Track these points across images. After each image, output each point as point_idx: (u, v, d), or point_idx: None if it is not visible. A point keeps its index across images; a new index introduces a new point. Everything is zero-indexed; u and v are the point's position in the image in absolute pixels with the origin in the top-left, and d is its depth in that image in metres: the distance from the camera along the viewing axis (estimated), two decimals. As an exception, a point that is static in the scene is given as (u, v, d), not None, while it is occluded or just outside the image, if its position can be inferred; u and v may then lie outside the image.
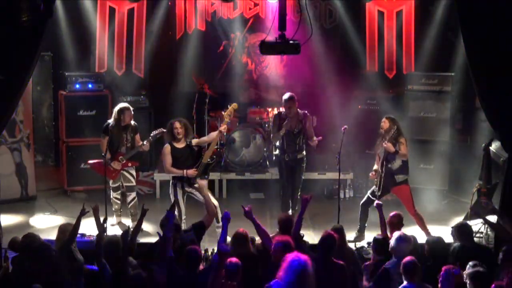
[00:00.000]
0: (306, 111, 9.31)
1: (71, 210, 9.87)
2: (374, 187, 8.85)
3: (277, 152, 9.57)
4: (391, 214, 7.46)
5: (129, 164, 9.21)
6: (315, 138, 9.24)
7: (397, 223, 7.31)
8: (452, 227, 7.24)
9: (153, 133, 9.12)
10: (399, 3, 11.59)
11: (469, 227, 7.16)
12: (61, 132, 10.99)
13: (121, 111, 9.12)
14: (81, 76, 10.88)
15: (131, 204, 9.29)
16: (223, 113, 8.93)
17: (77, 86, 10.81)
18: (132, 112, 9.20)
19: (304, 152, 9.38)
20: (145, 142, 9.07)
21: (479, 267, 5.93)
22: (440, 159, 10.70)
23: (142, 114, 10.91)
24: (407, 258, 6.11)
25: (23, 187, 10.54)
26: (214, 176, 9.58)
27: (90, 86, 10.88)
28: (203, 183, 8.25)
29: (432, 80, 10.81)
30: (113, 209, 9.41)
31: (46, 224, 9.51)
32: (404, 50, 11.63)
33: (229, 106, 8.94)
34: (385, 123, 8.73)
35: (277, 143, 9.80)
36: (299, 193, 9.33)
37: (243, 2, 11.96)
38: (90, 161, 9.50)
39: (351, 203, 10.28)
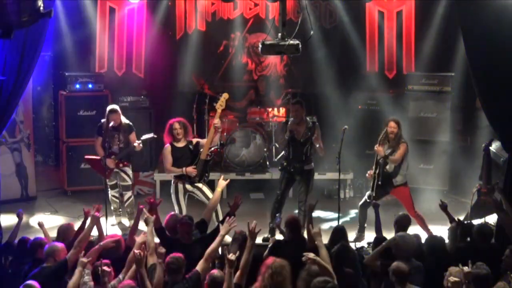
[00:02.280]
0: (315, 120, 8.93)
1: (71, 210, 9.90)
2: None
3: (284, 163, 8.99)
4: (400, 214, 7.54)
5: (121, 165, 9.17)
6: (322, 149, 8.86)
7: (404, 223, 7.35)
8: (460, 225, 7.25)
9: (144, 136, 9.11)
10: (399, 3, 11.60)
11: (490, 228, 7.17)
12: (61, 132, 10.99)
13: (109, 113, 9.14)
14: (81, 76, 10.89)
15: (127, 203, 9.34)
16: (214, 104, 8.87)
17: (77, 86, 10.82)
18: (120, 115, 9.16)
19: (313, 164, 8.95)
20: (135, 144, 9.04)
21: (484, 268, 5.92)
22: (440, 159, 10.70)
23: (142, 114, 10.92)
24: None
25: (23, 187, 10.54)
26: (214, 176, 9.56)
27: (90, 86, 10.89)
28: (223, 183, 8.13)
29: (432, 80, 10.81)
30: (112, 208, 9.42)
31: (46, 224, 9.48)
32: (404, 50, 11.64)
33: (219, 97, 8.87)
34: (395, 128, 8.67)
35: (284, 152, 9.23)
36: (304, 207, 8.82)
37: (243, 2, 11.96)
38: (88, 156, 9.43)
39: (351, 203, 10.28)
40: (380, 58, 11.71)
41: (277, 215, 8.29)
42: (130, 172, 9.36)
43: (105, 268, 5.81)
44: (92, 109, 10.76)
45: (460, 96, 10.97)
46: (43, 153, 12.18)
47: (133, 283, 5.81)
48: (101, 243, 6.46)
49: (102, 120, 9.26)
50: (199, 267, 6.09)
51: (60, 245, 6.42)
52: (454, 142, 11.00)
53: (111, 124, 9.10)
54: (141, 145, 9.06)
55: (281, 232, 7.46)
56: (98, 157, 9.19)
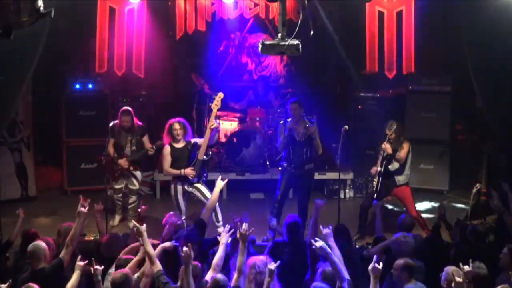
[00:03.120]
0: (314, 119, 8.94)
1: (71, 210, 9.85)
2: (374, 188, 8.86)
3: (284, 163, 8.98)
4: (403, 215, 7.55)
5: (131, 168, 9.20)
6: (320, 147, 8.86)
7: (408, 225, 7.36)
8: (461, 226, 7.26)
9: (156, 143, 9.08)
10: (399, 3, 11.59)
11: (484, 228, 7.17)
12: (61, 132, 10.98)
13: (121, 114, 9.14)
14: (81, 76, 10.89)
15: (131, 206, 9.33)
16: (210, 105, 8.82)
17: (77, 86, 10.83)
18: (132, 117, 9.13)
19: (312, 165, 8.98)
20: (149, 148, 9.09)
21: (483, 268, 5.92)
22: (440, 159, 10.69)
23: (142, 114, 10.90)
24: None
25: (23, 187, 10.54)
26: (214, 176, 9.55)
27: (90, 86, 10.89)
28: (222, 183, 8.01)
29: (432, 80, 10.81)
30: (115, 209, 9.40)
31: (46, 224, 9.51)
32: (404, 50, 11.63)
33: (214, 97, 8.82)
34: (391, 135, 8.66)
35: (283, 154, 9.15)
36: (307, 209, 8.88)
37: (243, 2, 11.96)
38: (99, 157, 9.27)
39: (351, 203, 10.28)
40: (380, 58, 11.69)
41: (270, 217, 8.25)
42: (139, 176, 9.37)
43: (97, 267, 5.81)
44: (92, 109, 10.76)
45: (460, 96, 10.97)
46: (43, 153, 12.16)
47: (127, 271, 5.84)
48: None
49: (114, 122, 9.21)
50: (208, 277, 6.00)
51: (41, 245, 6.32)
52: (454, 142, 11.00)
53: (113, 123, 9.08)
54: (154, 148, 9.06)
55: (279, 233, 7.47)
56: (108, 158, 9.13)
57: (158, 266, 5.95)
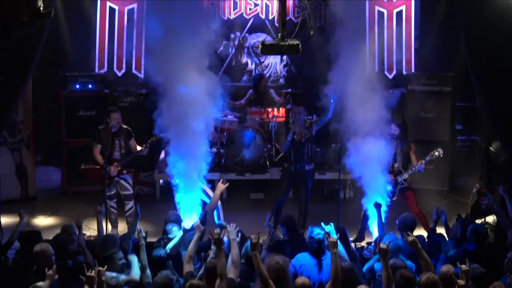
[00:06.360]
0: (314, 120, 8.99)
1: (71, 210, 9.89)
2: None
3: (285, 164, 9.03)
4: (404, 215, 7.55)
5: (124, 172, 8.87)
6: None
7: (409, 225, 7.34)
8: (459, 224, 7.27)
9: (150, 140, 8.85)
10: (399, 3, 11.61)
11: (485, 228, 7.18)
12: (61, 132, 10.97)
13: (107, 113, 8.87)
14: (81, 76, 10.89)
15: (128, 213, 8.96)
16: None
17: (77, 86, 10.83)
18: (120, 113, 8.88)
19: (313, 165, 9.02)
20: (141, 148, 8.85)
21: (478, 267, 5.94)
22: (440, 159, 10.67)
23: (142, 115, 10.90)
24: None
25: (23, 187, 10.54)
26: (213, 176, 9.56)
27: (90, 86, 10.89)
28: (222, 186, 7.95)
29: (432, 80, 10.81)
30: (109, 218, 8.70)
31: (46, 224, 9.52)
32: (404, 50, 11.64)
33: None
34: (395, 131, 8.68)
35: (284, 153, 9.19)
36: (304, 207, 8.94)
37: (243, 2, 11.97)
38: (85, 166, 9.05)
39: (352, 203, 10.26)
40: (380, 58, 11.70)
41: (267, 217, 8.23)
42: (130, 180, 9.06)
43: (100, 268, 5.80)
44: (92, 109, 10.75)
45: (460, 96, 10.97)
46: (43, 153, 12.17)
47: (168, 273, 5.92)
48: None
49: (100, 127, 8.96)
50: (231, 275, 5.98)
51: (44, 249, 6.31)
52: (454, 142, 11.00)
53: (111, 124, 8.82)
54: (147, 146, 8.82)
55: (270, 230, 7.51)
56: (95, 166, 8.90)
57: (191, 266, 6.07)
